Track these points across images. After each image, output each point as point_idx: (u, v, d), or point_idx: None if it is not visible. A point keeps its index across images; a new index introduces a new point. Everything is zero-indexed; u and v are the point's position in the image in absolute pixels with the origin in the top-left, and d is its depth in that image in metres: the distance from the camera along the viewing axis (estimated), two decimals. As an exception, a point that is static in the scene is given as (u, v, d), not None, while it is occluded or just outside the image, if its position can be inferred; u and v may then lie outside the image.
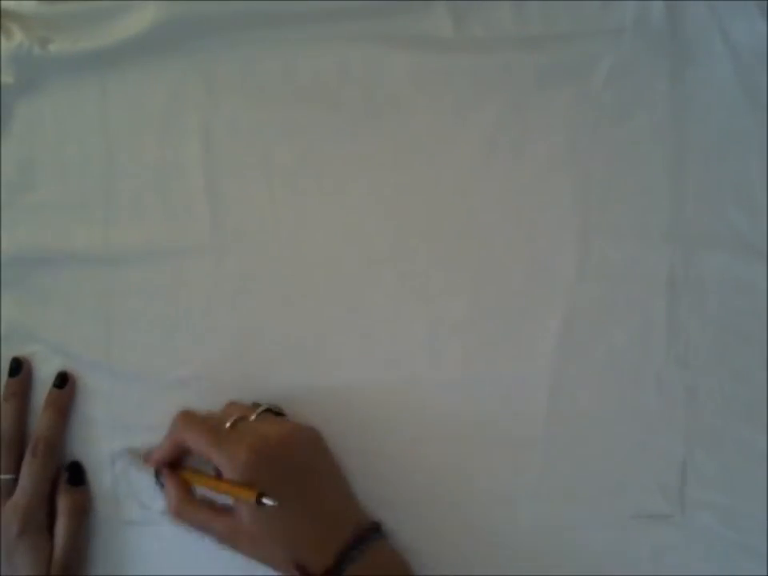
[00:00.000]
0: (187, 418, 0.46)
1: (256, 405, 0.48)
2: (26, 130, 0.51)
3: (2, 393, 0.50)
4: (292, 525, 0.43)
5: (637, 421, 0.49)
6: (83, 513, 0.49)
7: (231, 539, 0.44)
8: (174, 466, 0.48)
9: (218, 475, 0.45)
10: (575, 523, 0.48)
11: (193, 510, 0.45)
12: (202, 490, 0.46)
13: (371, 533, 0.45)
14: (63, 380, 0.50)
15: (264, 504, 0.41)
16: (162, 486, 0.48)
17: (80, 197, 0.51)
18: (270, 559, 0.44)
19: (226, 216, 0.50)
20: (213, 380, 0.50)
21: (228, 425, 0.45)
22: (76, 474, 0.49)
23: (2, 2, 0.51)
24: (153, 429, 0.49)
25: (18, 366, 0.50)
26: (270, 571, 0.44)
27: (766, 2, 0.49)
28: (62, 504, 0.48)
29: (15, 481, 0.48)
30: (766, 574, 0.47)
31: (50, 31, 0.51)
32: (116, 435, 0.50)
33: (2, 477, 0.48)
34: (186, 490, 0.46)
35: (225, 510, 0.45)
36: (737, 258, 0.49)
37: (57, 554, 0.47)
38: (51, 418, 0.49)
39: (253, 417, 0.45)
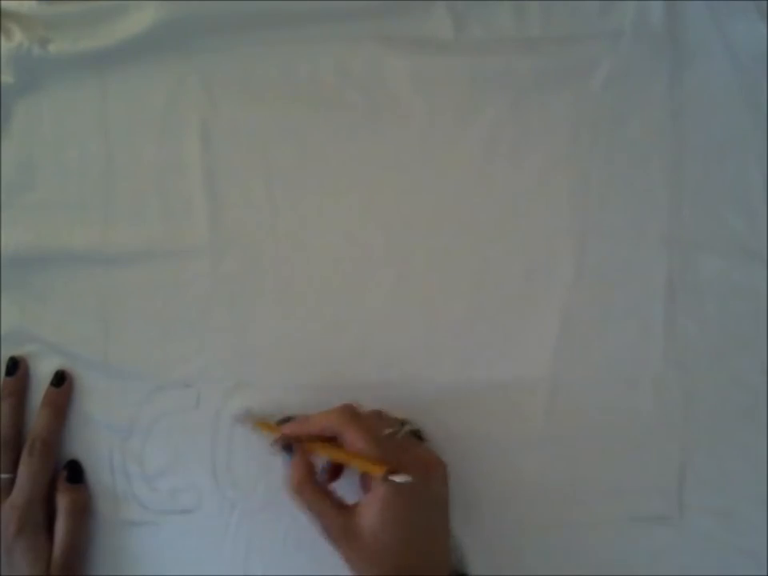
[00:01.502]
0: (350, 412, 0.45)
1: (403, 421, 0.47)
2: (26, 130, 0.51)
3: None
4: (403, 549, 0.42)
5: (635, 424, 0.49)
6: (82, 511, 0.49)
7: (339, 535, 0.43)
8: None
9: None
10: (574, 525, 0.48)
11: (312, 492, 0.44)
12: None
13: None
14: (60, 379, 0.50)
15: (390, 481, 0.40)
16: (285, 455, 0.46)
17: (79, 197, 0.51)
18: (365, 569, 0.42)
19: (224, 216, 0.50)
20: (211, 380, 0.50)
21: (386, 432, 0.44)
22: (75, 473, 0.49)
23: (2, 2, 0.51)
24: (151, 428, 0.49)
25: (14, 366, 0.50)
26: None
27: (765, 4, 0.49)
28: (61, 503, 0.48)
29: (13, 480, 0.48)
30: (764, 575, 0.47)
31: (50, 31, 0.51)
32: (114, 435, 0.50)
33: (0, 476, 0.48)
34: (312, 471, 0.44)
35: (343, 505, 0.44)
36: (735, 262, 0.49)
37: (56, 554, 0.47)
38: (48, 417, 0.49)
39: (399, 435, 0.45)
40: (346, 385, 0.49)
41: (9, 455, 0.48)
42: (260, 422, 0.48)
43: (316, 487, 0.44)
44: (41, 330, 0.51)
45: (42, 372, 0.50)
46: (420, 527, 0.43)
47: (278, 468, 0.48)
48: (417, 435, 0.47)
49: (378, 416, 0.46)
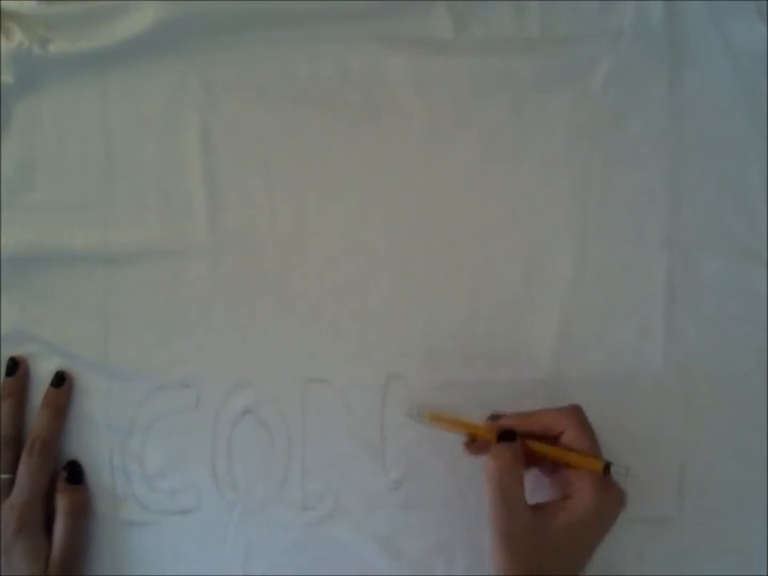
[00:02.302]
0: (582, 414, 0.44)
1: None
2: (26, 129, 0.51)
3: None
4: (567, 560, 0.42)
5: (634, 424, 0.49)
6: (82, 512, 0.49)
7: (516, 532, 0.42)
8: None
9: None
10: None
11: (513, 482, 0.43)
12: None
13: None
14: (60, 379, 0.50)
15: (610, 474, 0.42)
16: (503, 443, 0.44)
17: (79, 197, 0.51)
18: (515, 570, 0.42)
19: (224, 216, 0.50)
20: (210, 380, 0.50)
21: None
22: (74, 473, 0.49)
23: (2, 1, 0.51)
24: (151, 428, 0.49)
25: (14, 366, 0.50)
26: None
27: (765, 4, 0.49)
28: (61, 503, 0.48)
29: (13, 480, 0.48)
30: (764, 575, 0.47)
31: (50, 31, 0.51)
32: (114, 435, 0.50)
33: (0, 476, 0.48)
34: (521, 462, 0.43)
35: (533, 506, 0.43)
36: (734, 262, 0.49)
37: (55, 554, 0.47)
38: (48, 417, 0.49)
39: None
40: (343, 385, 0.49)
41: (9, 455, 0.48)
42: (444, 416, 0.47)
43: (518, 479, 0.43)
44: (41, 329, 0.51)
45: (42, 372, 0.50)
46: (585, 549, 0.43)
47: (277, 468, 0.49)
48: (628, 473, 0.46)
49: (597, 439, 0.45)
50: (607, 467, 0.42)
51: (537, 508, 0.43)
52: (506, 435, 0.44)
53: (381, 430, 0.49)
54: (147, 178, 0.51)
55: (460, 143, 0.50)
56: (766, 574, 0.48)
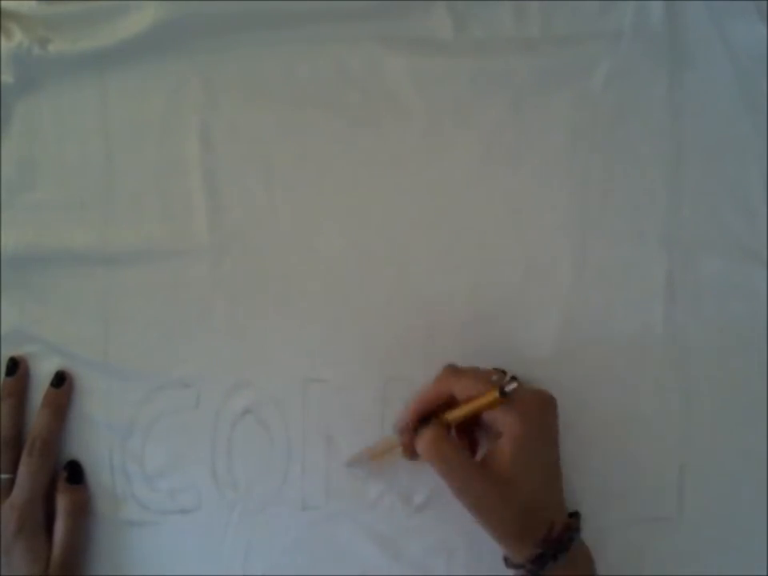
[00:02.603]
0: (453, 368, 0.45)
1: (502, 370, 0.46)
2: (26, 129, 0.51)
3: None
4: (534, 485, 0.42)
5: (634, 424, 0.49)
6: (82, 511, 0.49)
7: (479, 486, 0.42)
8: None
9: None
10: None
11: (447, 446, 0.43)
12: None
13: (574, 529, 0.44)
14: (60, 379, 0.50)
15: (507, 394, 0.42)
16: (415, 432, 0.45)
17: (79, 197, 0.51)
18: (497, 511, 0.42)
19: (224, 216, 0.50)
20: (210, 380, 0.50)
21: (493, 378, 0.44)
22: (75, 473, 0.49)
23: (2, 1, 0.51)
24: (151, 428, 0.49)
25: (14, 366, 0.50)
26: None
27: (765, 4, 0.49)
28: (61, 503, 0.48)
29: (13, 480, 0.48)
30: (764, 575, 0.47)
31: (50, 31, 0.51)
32: (114, 435, 0.50)
33: (0, 476, 0.48)
34: (444, 431, 0.44)
35: (475, 461, 0.45)
36: (734, 262, 0.49)
37: (55, 554, 0.47)
38: (48, 417, 0.49)
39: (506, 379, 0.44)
40: (345, 385, 0.49)
41: (9, 455, 0.48)
42: (369, 450, 0.48)
43: (450, 442, 0.44)
44: (40, 330, 0.51)
45: (42, 372, 0.50)
46: (546, 462, 0.44)
47: (277, 468, 0.49)
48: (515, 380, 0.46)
49: (478, 369, 0.46)
50: (501, 390, 0.42)
51: (483, 460, 0.44)
52: (421, 423, 0.45)
53: (380, 430, 0.49)
54: (147, 178, 0.51)
55: (460, 143, 0.50)
56: (766, 574, 0.48)
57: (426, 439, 0.44)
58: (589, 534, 0.45)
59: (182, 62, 0.51)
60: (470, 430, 0.47)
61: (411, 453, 0.46)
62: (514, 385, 0.42)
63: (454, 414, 0.44)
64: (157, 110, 0.51)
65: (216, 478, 0.49)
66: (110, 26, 0.51)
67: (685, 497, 0.48)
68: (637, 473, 0.48)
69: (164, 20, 0.50)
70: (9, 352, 0.50)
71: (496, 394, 0.42)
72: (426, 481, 0.48)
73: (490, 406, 0.43)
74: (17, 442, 0.49)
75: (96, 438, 0.50)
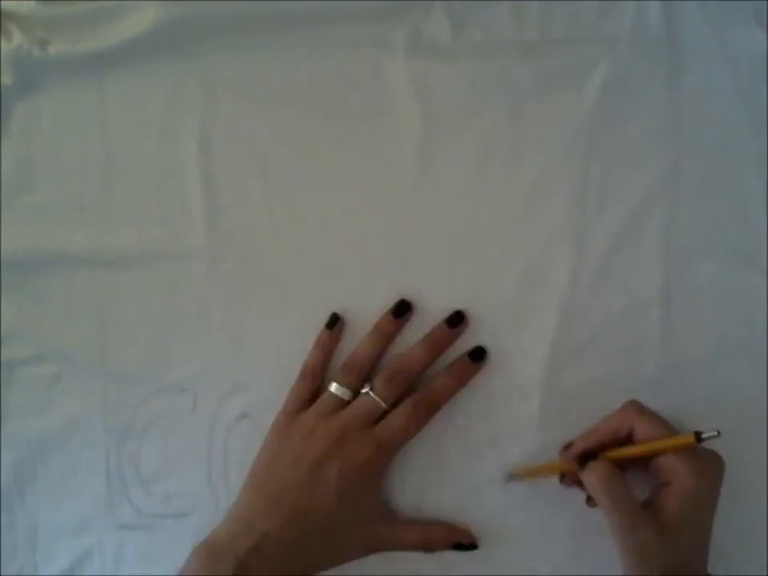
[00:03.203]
0: (638, 405, 0.45)
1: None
2: (25, 131, 0.51)
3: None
4: (691, 542, 0.42)
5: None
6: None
7: (634, 527, 0.42)
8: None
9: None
10: (571, 530, 0.48)
11: (619, 486, 0.42)
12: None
13: None
14: (334, 321, 0.49)
15: (702, 440, 0.41)
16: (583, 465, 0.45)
17: (78, 198, 0.51)
18: (651, 561, 0.41)
19: (222, 218, 0.51)
20: (207, 383, 0.50)
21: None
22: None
23: (2, 2, 0.51)
24: (147, 431, 0.49)
25: (334, 321, 0.49)
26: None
27: (764, 8, 0.49)
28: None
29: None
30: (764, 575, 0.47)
31: (50, 32, 0.51)
32: (110, 438, 0.50)
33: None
34: (611, 470, 0.43)
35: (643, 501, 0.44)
36: (731, 267, 0.49)
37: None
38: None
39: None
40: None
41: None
42: (529, 469, 0.48)
43: (623, 481, 0.43)
44: (38, 331, 0.51)
45: (39, 374, 0.50)
46: (708, 522, 0.43)
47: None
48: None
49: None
50: (698, 435, 0.41)
51: (646, 505, 0.43)
52: (587, 457, 0.44)
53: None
54: (146, 180, 0.51)
55: (458, 146, 0.50)
56: (766, 574, 0.47)
57: (600, 474, 0.43)
58: (587, 537, 0.46)
59: (180, 64, 0.51)
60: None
61: (569, 482, 0.46)
62: (714, 434, 0.41)
63: (628, 453, 0.44)
64: (156, 112, 0.51)
65: (211, 482, 0.49)
66: (110, 28, 0.51)
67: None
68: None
69: (163, 22, 0.51)
70: (6, 354, 0.50)
71: (691, 437, 0.41)
72: (417, 486, 0.49)
73: (675, 449, 0.42)
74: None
75: (92, 441, 0.50)
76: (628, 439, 0.44)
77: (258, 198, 0.51)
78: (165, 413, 0.50)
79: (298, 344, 0.50)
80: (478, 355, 0.48)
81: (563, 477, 0.47)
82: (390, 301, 0.49)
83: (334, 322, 0.49)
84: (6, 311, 0.51)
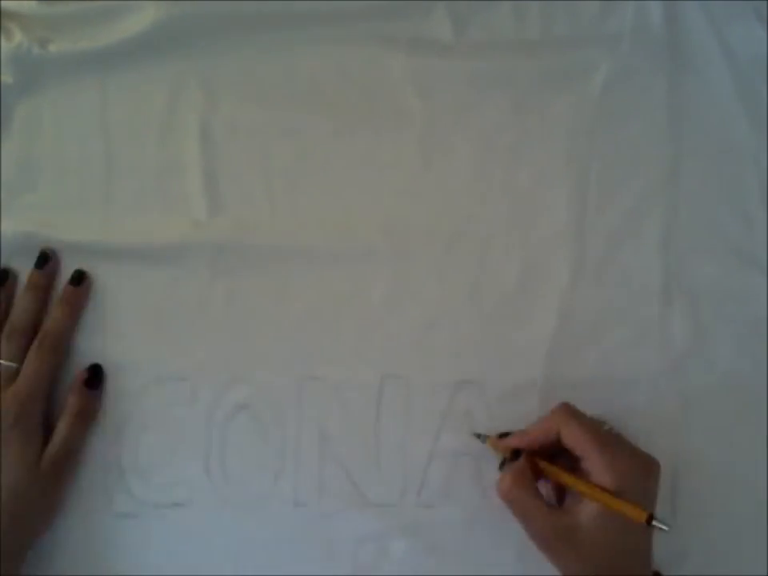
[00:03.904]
0: (570, 409, 0.45)
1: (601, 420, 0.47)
2: (26, 130, 0.51)
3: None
4: (617, 547, 0.42)
5: (630, 428, 0.48)
6: (90, 417, 0.48)
7: (552, 535, 0.43)
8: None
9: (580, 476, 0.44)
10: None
11: (524, 493, 0.43)
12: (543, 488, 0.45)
13: None
14: (80, 278, 0.49)
15: (653, 526, 0.41)
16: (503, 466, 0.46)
17: (79, 196, 0.51)
18: (577, 570, 0.42)
19: (223, 215, 0.50)
20: (206, 374, 0.49)
21: (605, 428, 0.45)
22: (95, 378, 0.49)
23: (2, 1, 0.51)
24: (146, 421, 0.49)
25: (44, 260, 0.49)
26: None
27: (765, 8, 0.49)
28: (71, 404, 0.48)
29: (17, 371, 0.47)
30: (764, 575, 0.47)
31: (50, 31, 0.51)
32: (109, 427, 0.49)
33: (3, 363, 0.47)
34: (527, 476, 0.44)
35: (553, 506, 0.44)
36: (731, 267, 0.49)
37: (50, 451, 0.46)
38: (63, 313, 0.49)
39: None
40: (340, 383, 0.49)
41: (18, 343, 0.48)
42: (492, 439, 0.48)
43: (528, 489, 0.44)
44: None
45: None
46: (631, 527, 0.42)
47: (270, 465, 0.49)
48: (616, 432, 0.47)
49: (590, 418, 0.45)
50: (649, 519, 0.41)
51: (564, 508, 0.44)
52: (513, 457, 0.45)
53: (375, 428, 0.49)
54: (147, 178, 0.51)
55: (459, 145, 0.51)
56: (766, 574, 0.47)
57: (506, 483, 0.44)
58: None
59: (181, 63, 0.51)
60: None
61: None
62: (664, 528, 0.41)
63: (562, 478, 0.44)
64: (156, 110, 0.51)
65: (209, 472, 0.49)
66: (110, 27, 0.51)
67: (678, 500, 0.48)
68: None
69: (164, 20, 0.51)
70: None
71: (643, 518, 0.41)
72: (418, 481, 0.49)
73: (622, 511, 0.41)
74: (29, 333, 0.48)
75: (90, 430, 0.49)
76: (558, 442, 0.44)
77: (259, 195, 0.51)
78: (163, 403, 0.49)
79: (298, 336, 0.50)
80: (78, 279, 0.49)
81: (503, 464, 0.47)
82: (391, 297, 0.50)
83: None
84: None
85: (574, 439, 0.43)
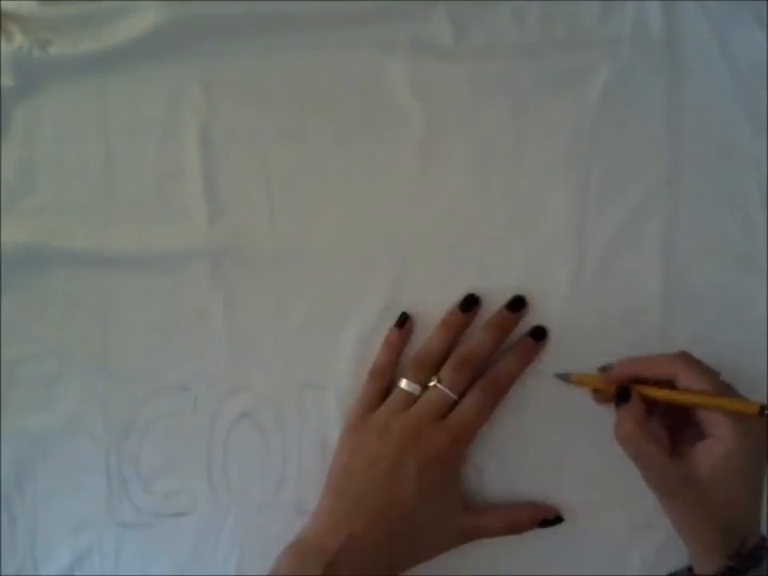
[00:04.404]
0: (689, 356, 0.44)
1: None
2: (26, 132, 0.52)
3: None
4: (737, 500, 0.41)
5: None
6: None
7: (672, 484, 0.42)
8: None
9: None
10: (572, 534, 0.48)
11: (645, 439, 0.42)
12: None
13: (766, 548, 0.42)
14: (542, 334, 0.49)
15: (765, 415, 0.40)
16: (618, 402, 0.44)
17: (79, 200, 0.51)
18: (693, 520, 0.42)
19: (223, 219, 0.51)
20: (208, 383, 0.50)
21: (721, 378, 0.44)
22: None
23: (2, 3, 0.51)
24: (148, 430, 0.50)
25: (403, 321, 0.49)
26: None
27: (765, 13, 0.49)
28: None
29: (452, 405, 0.47)
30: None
31: (50, 33, 0.51)
32: (110, 437, 0.50)
33: (446, 391, 0.46)
34: (645, 418, 0.43)
35: (673, 453, 0.43)
36: (731, 271, 0.49)
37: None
38: (518, 361, 0.48)
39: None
40: (342, 390, 0.49)
41: (465, 376, 0.47)
42: (579, 376, 0.47)
43: (648, 435, 0.43)
44: (40, 331, 0.51)
45: (42, 372, 0.51)
46: (756, 479, 0.42)
47: (272, 473, 0.49)
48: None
49: (699, 360, 0.44)
50: (762, 410, 0.40)
51: (686, 455, 0.42)
52: (622, 395, 0.44)
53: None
54: (147, 182, 0.51)
55: (459, 148, 0.50)
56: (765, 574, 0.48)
57: (625, 428, 0.43)
58: (585, 539, 0.46)
59: (182, 66, 0.51)
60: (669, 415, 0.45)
61: (600, 399, 0.46)
62: None
63: (671, 396, 0.43)
64: (157, 113, 0.51)
65: (211, 481, 0.49)
66: (111, 29, 0.51)
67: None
68: (633, 480, 0.47)
69: (164, 23, 0.51)
70: (7, 353, 0.51)
71: (756, 407, 0.40)
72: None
73: (731, 411, 0.41)
74: (478, 370, 0.47)
75: (93, 439, 0.50)
76: (668, 384, 0.44)
77: (259, 199, 0.51)
78: (165, 412, 0.50)
79: (299, 343, 0.50)
80: (540, 334, 0.48)
81: (596, 394, 0.47)
82: (391, 302, 0.49)
83: (403, 321, 0.49)
84: (8, 309, 0.51)
85: (695, 386, 0.42)
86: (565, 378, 0.48)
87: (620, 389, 0.44)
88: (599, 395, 0.47)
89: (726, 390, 0.43)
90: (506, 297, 0.49)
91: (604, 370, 0.47)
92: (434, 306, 0.49)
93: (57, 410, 0.51)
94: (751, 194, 0.49)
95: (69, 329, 0.51)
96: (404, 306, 0.50)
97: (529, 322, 0.49)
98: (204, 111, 0.51)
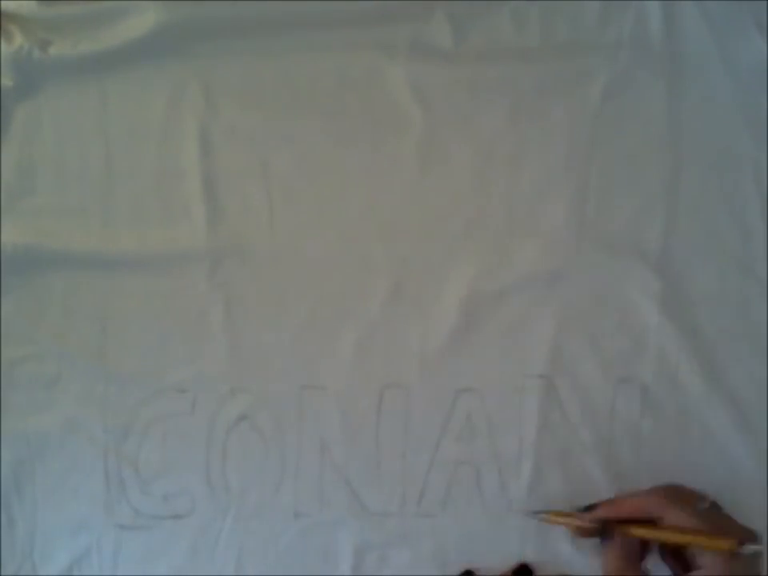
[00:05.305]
0: (668, 493, 0.44)
1: (700, 493, 0.45)
2: (26, 133, 0.51)
3: None
4: None
5: (627, 437, 0.49)
6: None
7: None
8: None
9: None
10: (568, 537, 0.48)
11: (634, 572, 0.43)
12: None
13: None
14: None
15: (740, 553, 0.40)
16: (603, 540, 0.45)
17: (79, 201, 0.51)
18: None
19: (222, 221, 0.51)
20: (206, 385, 0.50)
21: (703, 507, 0.43)
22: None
23: (2, 3, 0.51)
24: (146, 433, 0.50)
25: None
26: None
27: (764, 17, 0.49)
28: None
29: None
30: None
31: (50, 33, 0.51)
32: (109, 439, 0.50)
33: None
34: (631, 556, 0.43)
35: None
36: (729, 276, 0.49)
37: None
38: None
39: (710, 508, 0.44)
40: (341, 392, 0.49)
41: None
42: (555, 513, 0.47)
43: (636, 568, 0.43)
44: (39, 332, 0.51)
45: (41, 373, 0.51)
46: None
47: (271, 475, 0.49)
48: (716, 506, 0.45)
49: (683, 489, 0.45)
50: (739, 543, 0.40)
51: None
52: (604, 532, 0.44)
53: (376, 437, 0.49)
54: (146, 183, 0.51)
55: (458, 151, 0.50)
56: (766, 574, 0.48)
57: (613, 557, 0.43)
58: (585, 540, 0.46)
59: (181, 67, 0.51)
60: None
61: (581, 535, 0.46)
62: (759, 548, 0.40)
63: (653, 535, 0.43)
64: (156, 115, 0.51)
65: (210, 483, 0.49)
66: (111, 29, 0.51)
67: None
68: (630, 485, 0.48)
69: (164, 24, 0.51)
70: (8, 354, 0.51)
71: (731, 544, 0.40)
72: (418, 490, 0.49)
73: (704, 546, 0.41)
74: None
75: (91, 441, 0.50)
76: (654, 521, 0.43)
77: (258, 201, 0.51)
78: (164, 413, 0.50)
79: (298, 345, 0.50)
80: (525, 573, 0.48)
81: (577, 533, 0.47)
82: (391, 304, 0.50)
83: None
84: (7, 310, 0.51)
85: (679, 523, 0.42)
86: (544, 518, 0.47)
87: (602, 527, 0.44)
88: (579, 531, 0.46)
89: (711, 518, 0.43)
90: (506, 298, 0.49)
91: (589, 509, 0.46)
92: (431, 308, 0.49)
93: (56, 411, 0.51)
94: (750, 199, 0.49)
95: (68, 330, 0.51)
96: (403, 306, 0.50)
97: (528, 326, 0.49)
98: (204, 112, 0.51)
